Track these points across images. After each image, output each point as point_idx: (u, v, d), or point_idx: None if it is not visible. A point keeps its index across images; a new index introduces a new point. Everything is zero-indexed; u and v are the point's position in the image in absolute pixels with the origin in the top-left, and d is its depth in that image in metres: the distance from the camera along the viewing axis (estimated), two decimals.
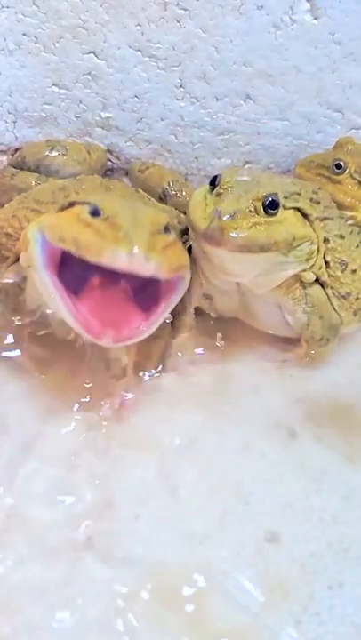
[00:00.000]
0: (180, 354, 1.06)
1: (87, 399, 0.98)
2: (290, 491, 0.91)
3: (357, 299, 1.02)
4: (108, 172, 1.26)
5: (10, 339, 1.03)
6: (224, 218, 0.82)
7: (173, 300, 0.90)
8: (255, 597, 0.81)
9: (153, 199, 1.14)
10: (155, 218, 0.87)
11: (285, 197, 0.89)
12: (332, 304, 1.00)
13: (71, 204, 0.89)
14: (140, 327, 0.85)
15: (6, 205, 1.03)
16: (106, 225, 0.82)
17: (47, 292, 0.86)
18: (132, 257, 0.78)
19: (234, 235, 0.82)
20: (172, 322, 1.05)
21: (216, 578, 0.82)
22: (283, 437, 0.97)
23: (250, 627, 0.79)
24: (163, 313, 0.88)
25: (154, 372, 1.02)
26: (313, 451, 0.97)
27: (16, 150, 1.22)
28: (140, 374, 1.01)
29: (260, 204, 0.85)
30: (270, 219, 0.86)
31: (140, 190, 1.14)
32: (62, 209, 0.92)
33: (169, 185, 1.18)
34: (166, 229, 0.87)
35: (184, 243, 0.98)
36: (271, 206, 0.85)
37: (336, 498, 0.89)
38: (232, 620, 0.79)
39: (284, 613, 0.79)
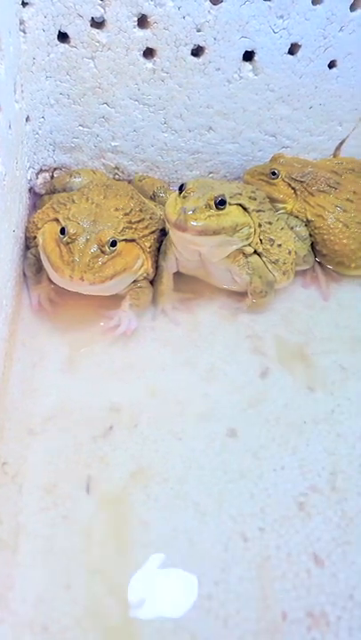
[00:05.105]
0: (166, 304, 1.20)
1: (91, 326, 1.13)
2: (245, 398, 1.07)
3: (284, 263, 1.22)
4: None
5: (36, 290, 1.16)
6: (188, 212, 0.98)
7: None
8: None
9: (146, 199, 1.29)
10: (104, 235, 1.00)
11: (231, 197, 1.05)
12: (267, 267, 1.18)
13: (56, 219, 1.07)
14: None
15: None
16: (65, 250, 0.99)
17: (46, 265, 1.05)
18: (73, 280, 0.97)
19: (194, 223, 0.98)
20: (151, 281, 1.21)
21: (191, 466, 0.95)
22: (240, 361, 1.14)
23: (220, 493, 0.92)
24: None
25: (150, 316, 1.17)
26: (260, 369, 1.14)
27: (54, 169, 1.39)
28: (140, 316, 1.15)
29: (213, 202, 1.00)
30: (220, 212, 1.02)
31: (133, 188, 1.26)
32: (55, 219, 1.07)
33: (157, 189, 1.35)
34: (113, 243, 1.00)
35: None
36: (220, 203, 1.01)
37: (280, 404, 1.07)
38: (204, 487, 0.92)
39: (241, 488, 0.93)
